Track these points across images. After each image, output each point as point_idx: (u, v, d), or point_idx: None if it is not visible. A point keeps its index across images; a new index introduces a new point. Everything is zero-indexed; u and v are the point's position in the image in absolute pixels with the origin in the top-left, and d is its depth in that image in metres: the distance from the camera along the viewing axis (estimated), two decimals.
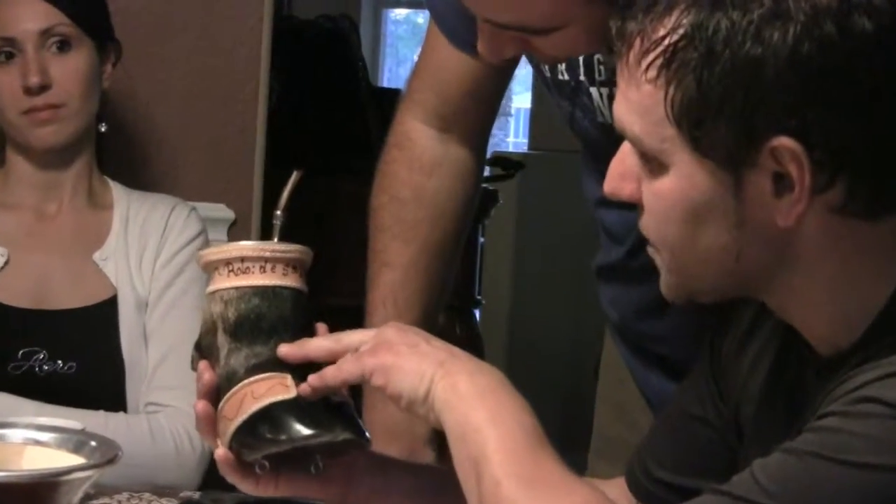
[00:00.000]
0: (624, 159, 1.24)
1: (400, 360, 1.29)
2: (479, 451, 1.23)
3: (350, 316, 1.63)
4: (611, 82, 1.56)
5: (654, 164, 1.21)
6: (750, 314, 1.37)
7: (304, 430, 1.32)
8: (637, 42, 1.17)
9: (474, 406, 1.26)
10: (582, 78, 1.61)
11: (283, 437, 1.32)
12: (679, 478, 1.39)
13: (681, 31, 1.15)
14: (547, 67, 1.62)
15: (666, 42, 1.15)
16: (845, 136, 1.15)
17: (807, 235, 1.19)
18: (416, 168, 1.75)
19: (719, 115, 1.15)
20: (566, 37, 1.38)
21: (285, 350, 1.33)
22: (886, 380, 1.12)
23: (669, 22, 1.16)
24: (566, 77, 1.61)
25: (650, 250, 1.27)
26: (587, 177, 1.70)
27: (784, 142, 1.13)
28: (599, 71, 1.58)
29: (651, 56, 1.16)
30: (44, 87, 2.08)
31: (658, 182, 1.22)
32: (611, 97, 1.57)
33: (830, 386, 1.19)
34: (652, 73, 1.16)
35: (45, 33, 2.09)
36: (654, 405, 1.72)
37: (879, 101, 1.15)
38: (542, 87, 1.70)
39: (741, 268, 1.23)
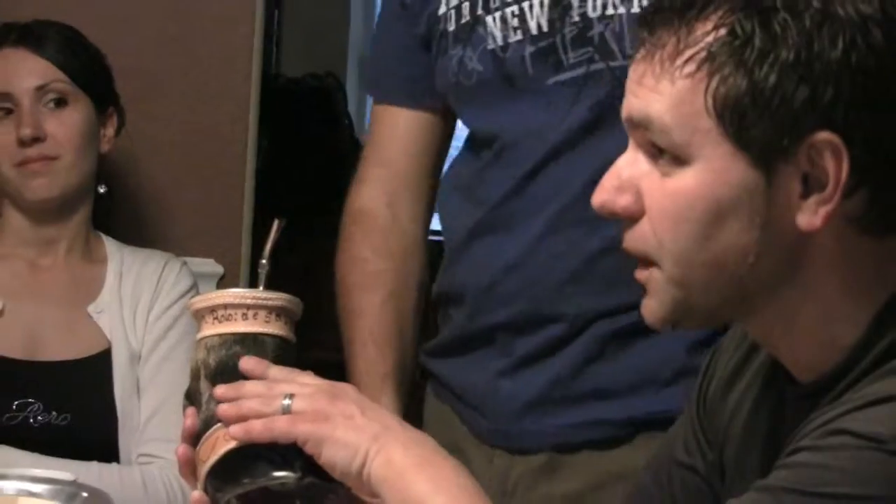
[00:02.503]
0: (620, 172, 1.24)
1: (335, 432, 1.29)
2: None
3: (335, 368, 1.64)
4: (504, 5, 1.75)
5: (673, 161, 1.21)
6: (736, 359, 1.38)
7: (270, 472, 1.32)
8: (673, 41, 1.19)
9: (414, 479, 1.27)
10: (479, 11, 1.78)
11: (247, 479, 1.32)
12: None
13: (723, 30, 1.17)
14: (453, 15, 1.80)
15: (709, 39, 1.17)
16: (881, 138, 1.17)
17: (821, 243, 1.20)
18: (372, 235, 1.92)
19: (766, 108, 1.17)
20: None
21: (221, 391, 1.33)
22: (854, 412, 1.13)
23: (708, 23, 1.18)
24: (467, 18, 1.79)
25: (640, 273, 1.25)
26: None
27: (826, 135, 1.15)
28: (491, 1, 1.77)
29: (690, 52, 1.18)
30: (37, 140, 2.09)
31: (674, 180, 1.21)
32: (503, 19, 1.76)
33: (803, 422, 1.19)
34: (690, 67, 1.18)
35: (41, 89, 2.11)
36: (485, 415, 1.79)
37: None
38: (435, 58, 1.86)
39: (751, 276, 1.21)
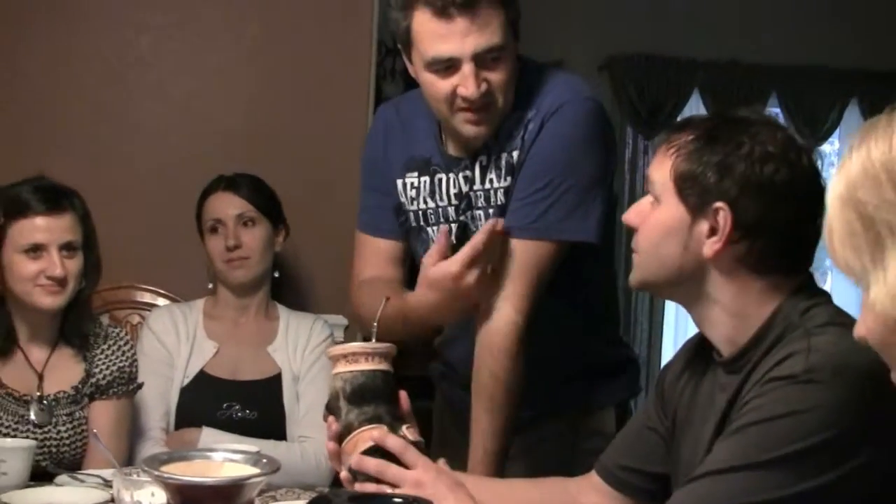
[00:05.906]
0: (640, 203, 1.52)
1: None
2: None
3: (414, 381, 1.85)
4: (437, 222, 1.98)
5: (656, 201, 1.48)
6: (683, 362, 1.61)
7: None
8: (664, 145, 1.48)
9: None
10: (423, 223, 2.03)
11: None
12: (640, 465, 1.65)
13: (692, 137, 1.45)
14: (411, 216, 2.01)
15: (680, 141, 1.46)
16: (754, 213, 1.41)
17: (716, 268, 1.45)
18: (375, 283, 2.03)
19: (694, 183, 1.44)
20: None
21: (377, 435, 1.54)
22: (773, 368, 1.38)
23: (681, 137, 1.46)
24: (415, 225, 2.05)
25: (634, 255, 1.51)
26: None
27: (721, 204, 1.43)
28: (430, 219, 2.03)
29: (671, 149, 1.47)
30: (237, 247, 2.52)
31: (656, 212, 1.48)
32: (432, 238, 1.97)
33: (734, 381, 1.42)
34: (669, 160, 1.46)
35: (240, 216, 2.56)
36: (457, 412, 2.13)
37: (777, 202, 1.42)
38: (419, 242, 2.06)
39: (681, 274, 1.46)
